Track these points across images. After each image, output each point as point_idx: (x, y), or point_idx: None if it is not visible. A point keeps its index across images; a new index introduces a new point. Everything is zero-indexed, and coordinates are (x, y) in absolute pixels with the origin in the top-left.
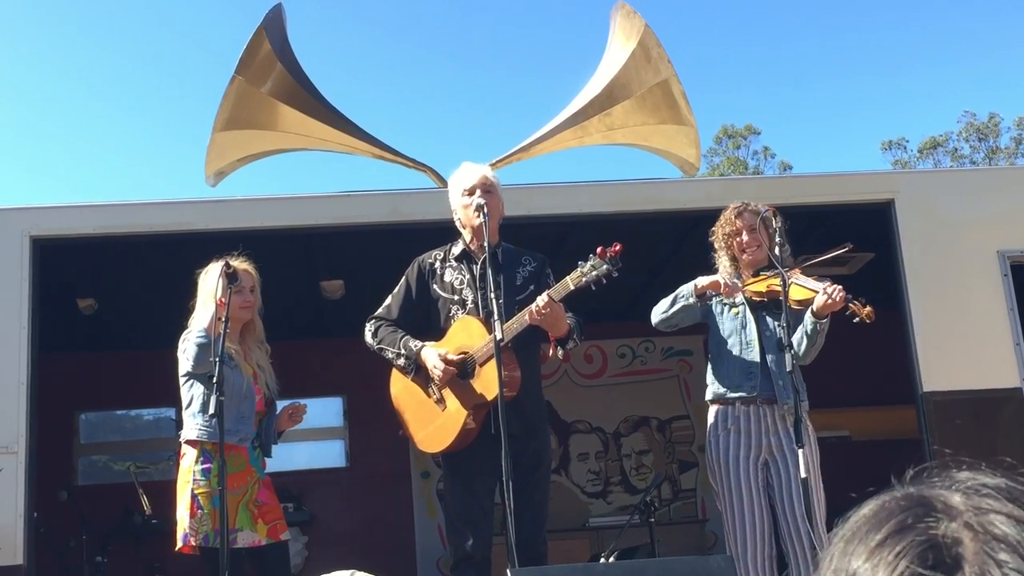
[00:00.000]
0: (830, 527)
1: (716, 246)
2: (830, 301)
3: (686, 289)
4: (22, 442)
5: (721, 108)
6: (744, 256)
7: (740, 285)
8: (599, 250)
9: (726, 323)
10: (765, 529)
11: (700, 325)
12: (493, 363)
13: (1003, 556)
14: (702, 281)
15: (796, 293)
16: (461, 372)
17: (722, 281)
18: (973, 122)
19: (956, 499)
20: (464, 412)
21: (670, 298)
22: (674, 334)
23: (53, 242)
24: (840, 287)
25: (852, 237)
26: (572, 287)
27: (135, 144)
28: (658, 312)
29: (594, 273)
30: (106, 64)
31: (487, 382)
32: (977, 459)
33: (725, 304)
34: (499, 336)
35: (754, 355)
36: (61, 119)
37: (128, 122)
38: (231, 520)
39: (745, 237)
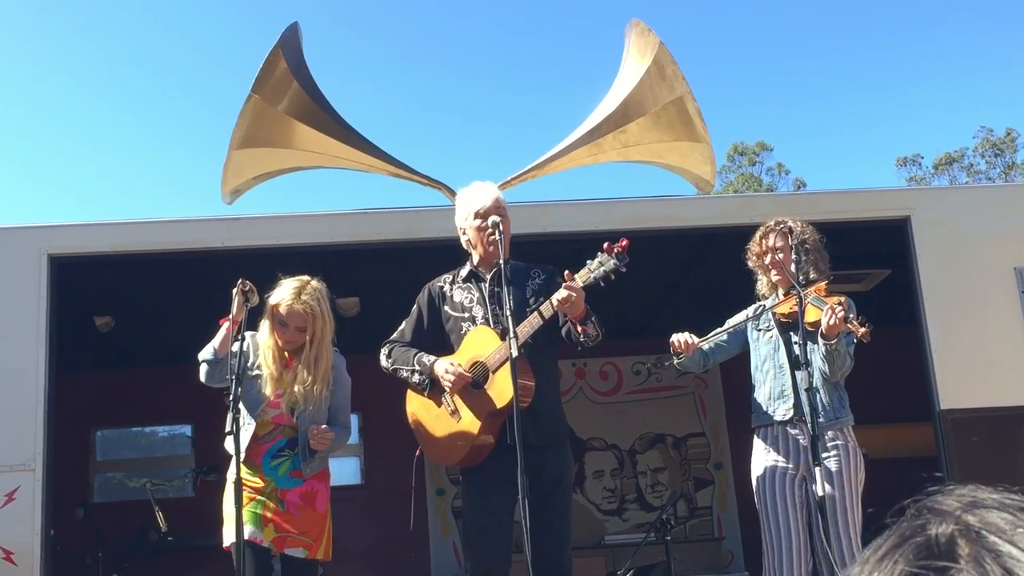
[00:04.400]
0: (865, 543)
1: (751, 265)
2: (833, 321)
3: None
4: (39, 459)
5: (734, 125)
6: (773, 276)
7: (693, 342)
8: (606, 245)
9: (761, 348)
10: (801, 546)
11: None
12: (506, 369)
13: (1000, 548)
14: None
15: (811, 314)
16: (474, 381)
17: (673, 340)
18: (989, 137)
19: (950, 502)
20: (478, 422)
21: None
22: None
23: (70, 260)
24: (840, 306)
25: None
26: (581, 284)
27: (151, 161)
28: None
29: (602, 269)
30: (125, 80)
31: (500, 389)
32: (994, 477)
33: (760, 329)
34: (515, 354)
35: (786, 377)
36: (79, 136)
37: (145, 139)
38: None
39: (768, 259)
